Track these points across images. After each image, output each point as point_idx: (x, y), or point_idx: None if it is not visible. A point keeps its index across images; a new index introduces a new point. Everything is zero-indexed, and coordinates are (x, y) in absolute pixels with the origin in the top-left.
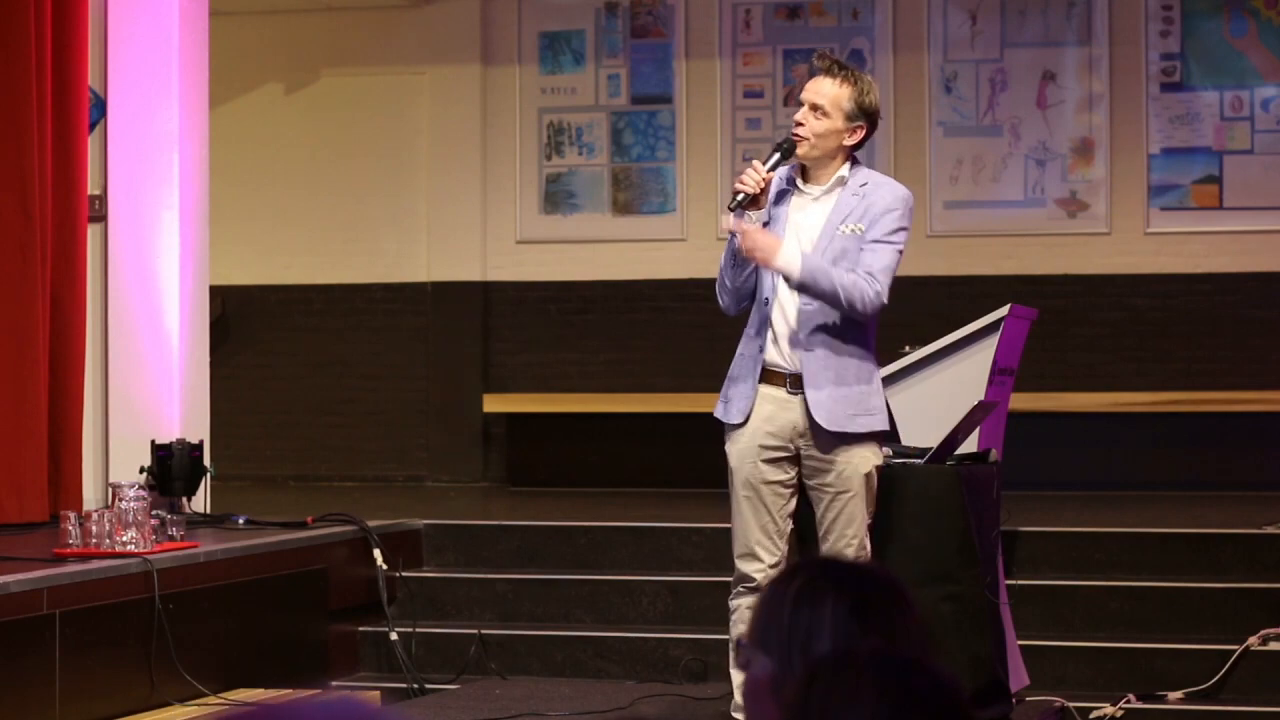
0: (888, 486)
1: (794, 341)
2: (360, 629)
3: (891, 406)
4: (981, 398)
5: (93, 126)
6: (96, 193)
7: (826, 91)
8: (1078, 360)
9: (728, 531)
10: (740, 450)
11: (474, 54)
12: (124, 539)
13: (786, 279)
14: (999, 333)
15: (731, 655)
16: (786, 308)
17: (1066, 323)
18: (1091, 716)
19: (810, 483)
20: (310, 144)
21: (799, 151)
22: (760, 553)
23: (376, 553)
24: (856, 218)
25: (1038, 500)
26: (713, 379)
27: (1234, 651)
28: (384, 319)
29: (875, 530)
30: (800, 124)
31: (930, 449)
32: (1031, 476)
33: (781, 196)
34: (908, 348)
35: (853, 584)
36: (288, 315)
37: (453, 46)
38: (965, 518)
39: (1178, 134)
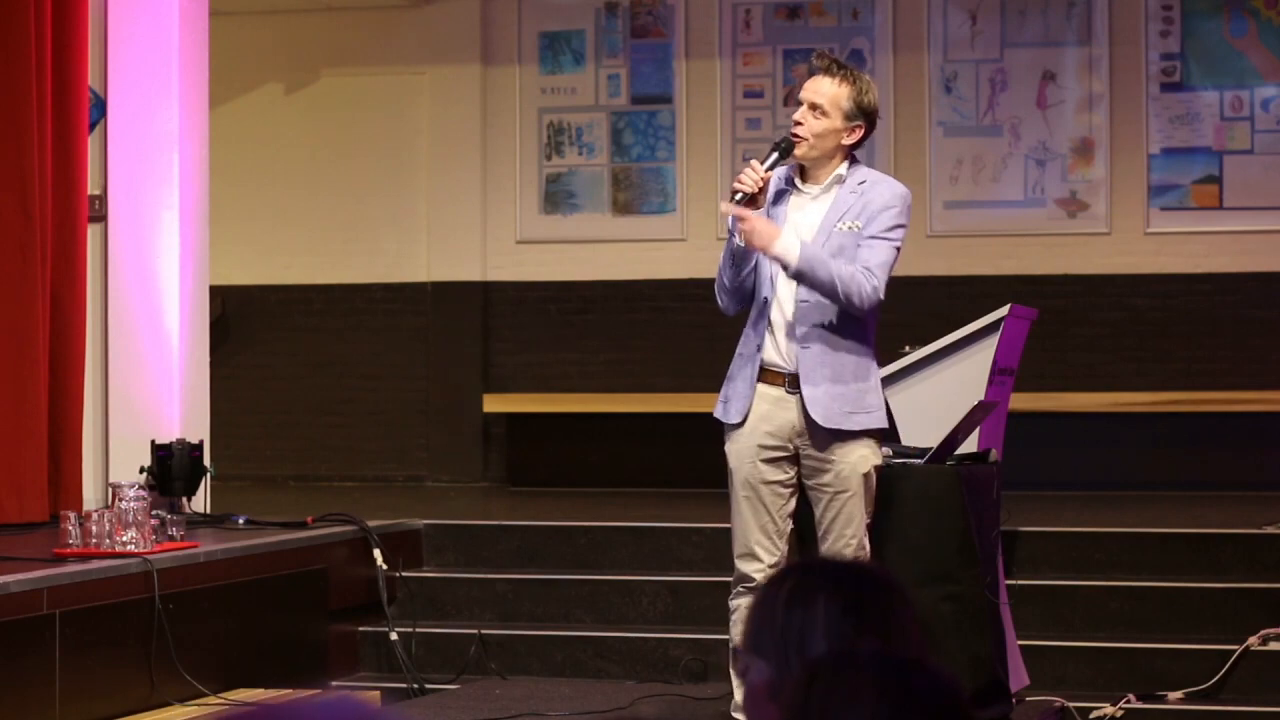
0: (888, 486)
1: (792, 340)
2: (360, 629)
3: (891, 406)
4: (981, 398)
5: (93, 126)
6: (96, 193)
7: (825, 91)
8: (1078, 360)
9: (728, 531)
10: (739, 450)
11: (474, 54)
12: (124, 539)
13: (784, 267)
14: (999, 333)
15: (731, 657)
16: (785, 307)
17: (1066, 323)
18: (1091, 716)
19: (809, 482)
20: (310, 144)
21: (798, 152)
22: (760, 553)
23: (376, 553)
24: (854, 215)
25: (1038, 500)
26: (713, 379)
27: (1234, 651)
28: (384, 319)
29: (875, 530)
30: (799, 124)
31: (930, 449)
32: (1031, 476)
33: (780, 196)
34: (908, 348)
35: (844, 582)
36: (288, 315)
37: (453, 46)
38: (965, 518)
39: (1178, 134)
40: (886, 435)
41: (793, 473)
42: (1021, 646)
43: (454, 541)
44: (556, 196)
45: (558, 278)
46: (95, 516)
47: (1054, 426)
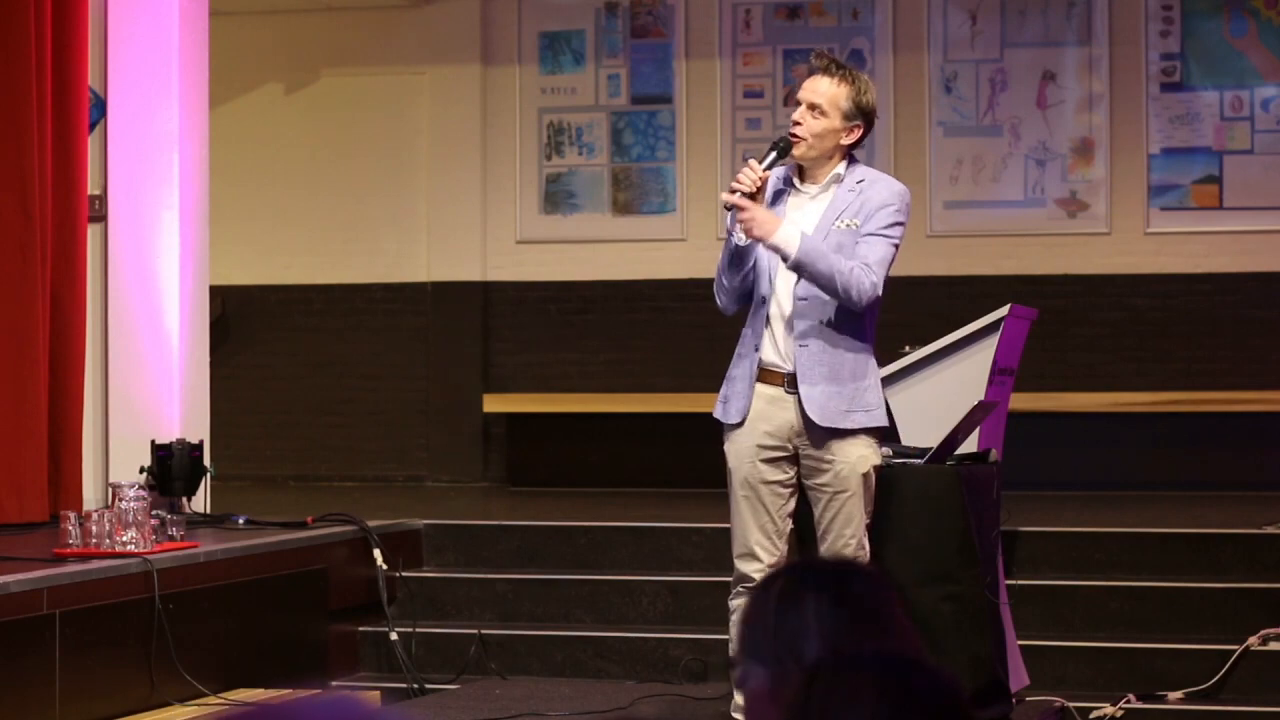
0: (888, 486)
1: (790, 340)
2: (360, 629)
3: (891, 406)
4: (981, 398)
5: (93, 126)
6: (96, 193)
7: (824, 91)
8: (1078, 360)
9: (728, 531)
10: (738, 450)
11: (474, 54)
12: (124, 539)
13: (784, 258)
14: (999, 333)
15: (729, 666)
16: (783, 306)
17: (1066, 323)
18: (1091, 716)
19: (808, 483)
20: (310, 144)
21: (796, 152)
22: (759, 553)
23: (376, 553)
24: (853, 213)
25: (1038, 500)
26: (713, 379)
27: (1234, 651)
28: (384, 319)
29: (875, 530)
30: (798, 124)
31: (930, 449)
32: (1031, 476)
33: (778, 196)
34: (908, 348)
35: (831, 577)
36: (288, 315)
37: (453, 46)
38: (965, 518)
39: (1178, 134)
40: (886, 435)
41: (792, 473)
42: (1021, 646)
43: (454, 541)
44: (556, 196)
45: (558, 278)
46: (95, 516)
47: (1054, 426)
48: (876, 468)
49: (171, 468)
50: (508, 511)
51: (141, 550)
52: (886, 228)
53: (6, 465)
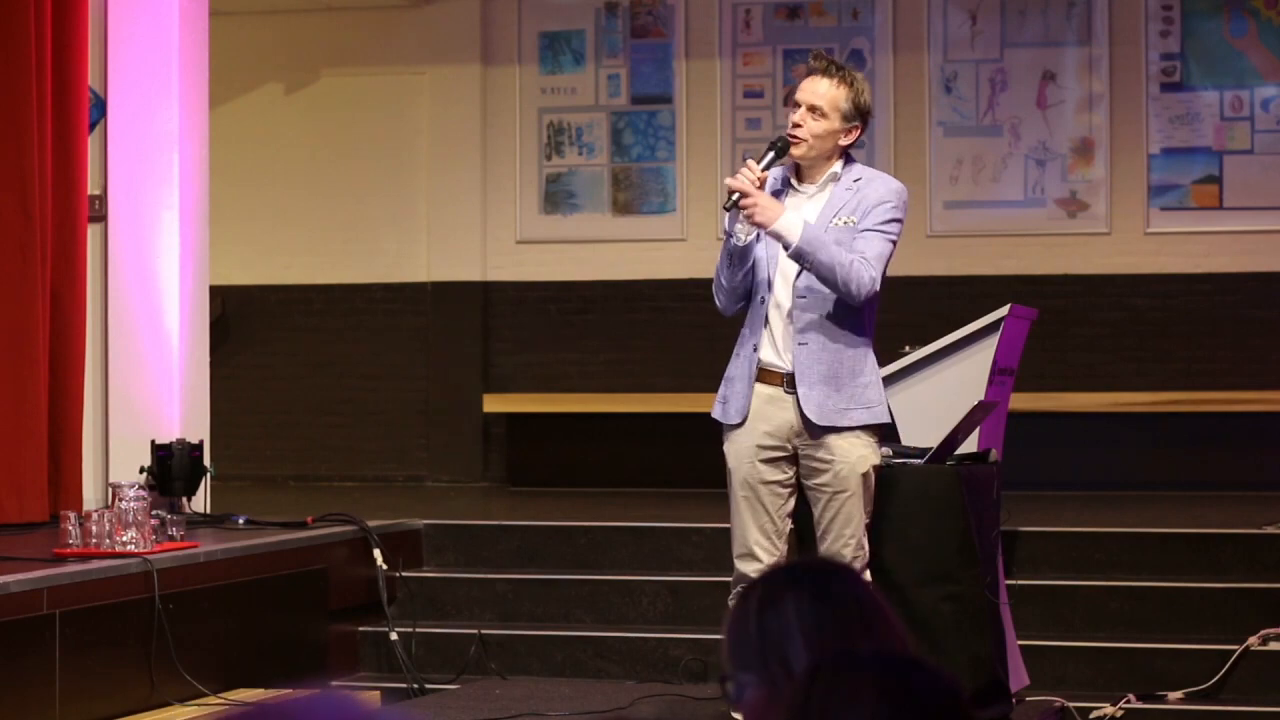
0: (888, 486)
1: (789, 339)
2: (360, 629)
3: (891, 407)
4: (981, 398)
5: (93, 126)
6: (96, 193)
7: (824, 93)
8: (1078, 360)
9: (728, 531)
10: (738, 450)
11: (474, 54)
12: (124, 539)
13: (785, 246)
14: (999, 333)
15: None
16: (782, 306)
17: (1066, 323)
18: (1091, 716)
19: (808, 483)
20: (310, 144)
21: (798, 153)
22: (759, 553)
23: (376, 553)
24: (850, 210)
25: (1038, 500)
26: (713, 379)
27: (1234, 651)
28: (384, 319)
29: (875, 530)
30: (799, 125)
31: (930, 449)
32: (1031, 476)
33: (776, 197)
34: (908, 348)
35: (810, 578)
36: (288, 315)
37: (453, 46)
38: (965, 518)
39: (1178, 134)
40: (886, 435)
41: (791, 473)
42: (1021, 646)
43: (454, 541)
44: (556, 196)
45: (558, 278)
46: (95, 516)
47: (1054, 426)
48: (876, 468)
49: (171, 468)
50: (508, 511)
51: (141, 550)
52: (884, 224)
53: (6, 465)
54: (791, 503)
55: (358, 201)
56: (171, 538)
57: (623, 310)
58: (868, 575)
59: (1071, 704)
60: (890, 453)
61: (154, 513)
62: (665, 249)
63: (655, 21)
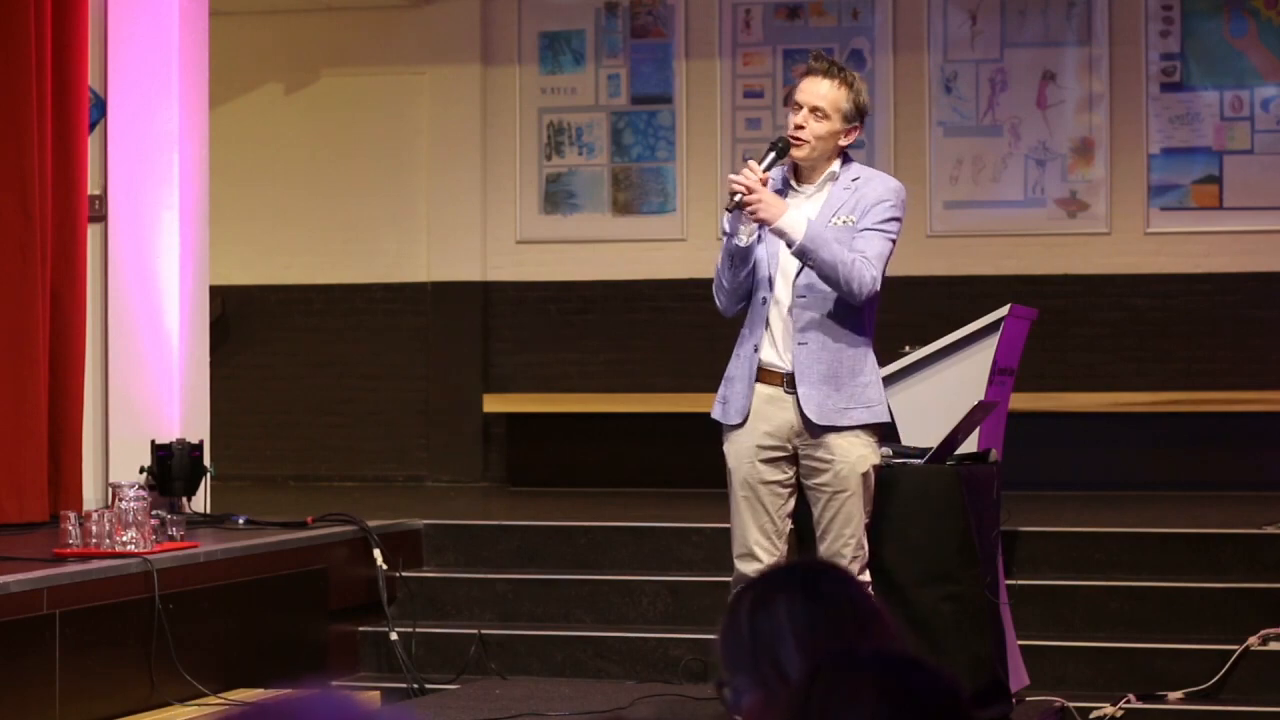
0: (887, 486)
1: (789, 339)
2: (360, 629)
3: (892, 406)
4: (981, 398)
5: (93, 126)
6: (96, 193)
7: (825, 94)
8: (1078, 360)
9: (728, 531)
10: (738, 450)
11: (474, 54)
12: (124, 539)
13: (789, 243)
14: (999, 333)
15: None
16: (782, 306)
17: (1066, 323)
18: (1091, 716)
19: (807, 483)
20: (310, 144)
21: (800, 154)
22: (759, 553)
23: (376, 553)
24: (848, 210)
25: (1038, 500)
26: (712, 379)
27: (1234, 651)
28: (384, 319)
29: (875, 530)
30: (801, 127)
31: (930, 449)
32: (1031, 476)
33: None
34: (908, 348)
35: (800, 579)
36: (288, 315)
37: (453, 46)
38: (965, 518)
39: (1178, 134)
40: (887, 435)
41: (791, 473)
42: (1021, 646)
43: (454, 541)
44: (556, 196)
45: (558, 278)
46: (95, 516)
47: (1054, 426)
48: (876, 468)
49: (171, 468)
50: (508, 511)
51: (141, 550)
52: (883, 223)
53: (6, 465)
54: (791, 503)
55: (358, 201)
56: (171, 538)
57: (623, 310)
58: (867, 575)
59: (1071, 704)
60: (890, 453)
61: (154, 513)
62: (665, 249)
63: (655, 21)
